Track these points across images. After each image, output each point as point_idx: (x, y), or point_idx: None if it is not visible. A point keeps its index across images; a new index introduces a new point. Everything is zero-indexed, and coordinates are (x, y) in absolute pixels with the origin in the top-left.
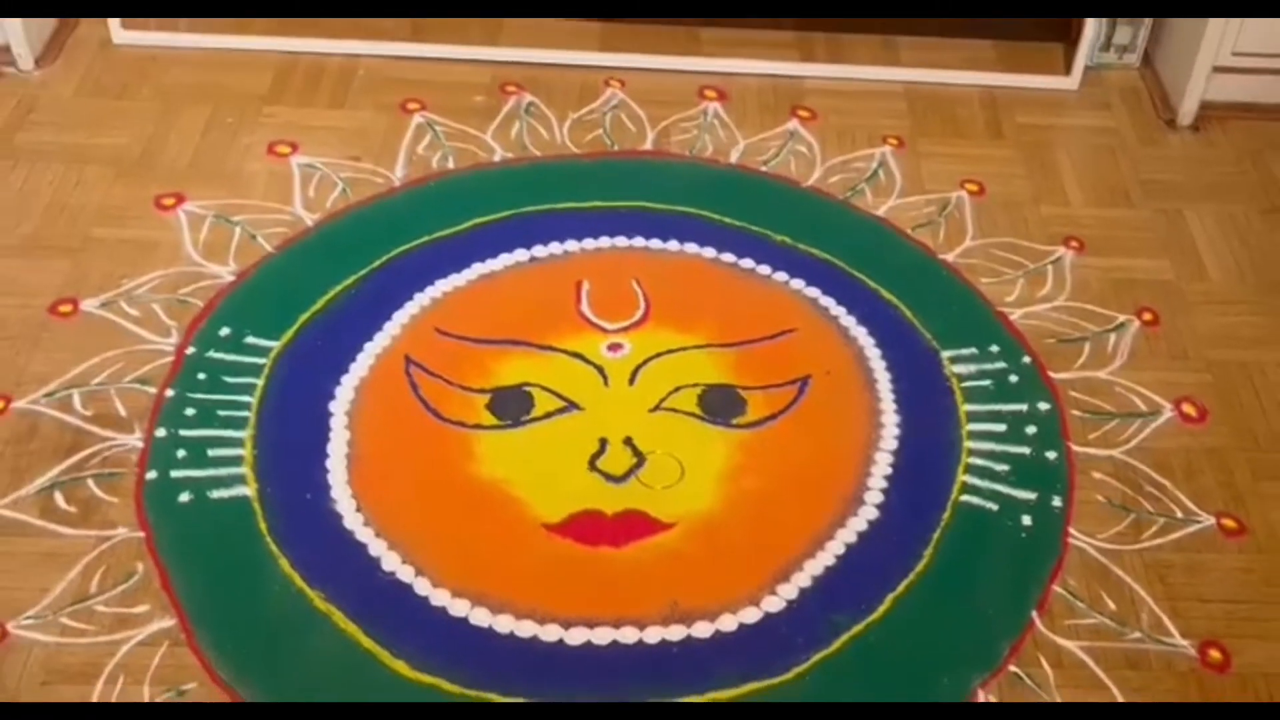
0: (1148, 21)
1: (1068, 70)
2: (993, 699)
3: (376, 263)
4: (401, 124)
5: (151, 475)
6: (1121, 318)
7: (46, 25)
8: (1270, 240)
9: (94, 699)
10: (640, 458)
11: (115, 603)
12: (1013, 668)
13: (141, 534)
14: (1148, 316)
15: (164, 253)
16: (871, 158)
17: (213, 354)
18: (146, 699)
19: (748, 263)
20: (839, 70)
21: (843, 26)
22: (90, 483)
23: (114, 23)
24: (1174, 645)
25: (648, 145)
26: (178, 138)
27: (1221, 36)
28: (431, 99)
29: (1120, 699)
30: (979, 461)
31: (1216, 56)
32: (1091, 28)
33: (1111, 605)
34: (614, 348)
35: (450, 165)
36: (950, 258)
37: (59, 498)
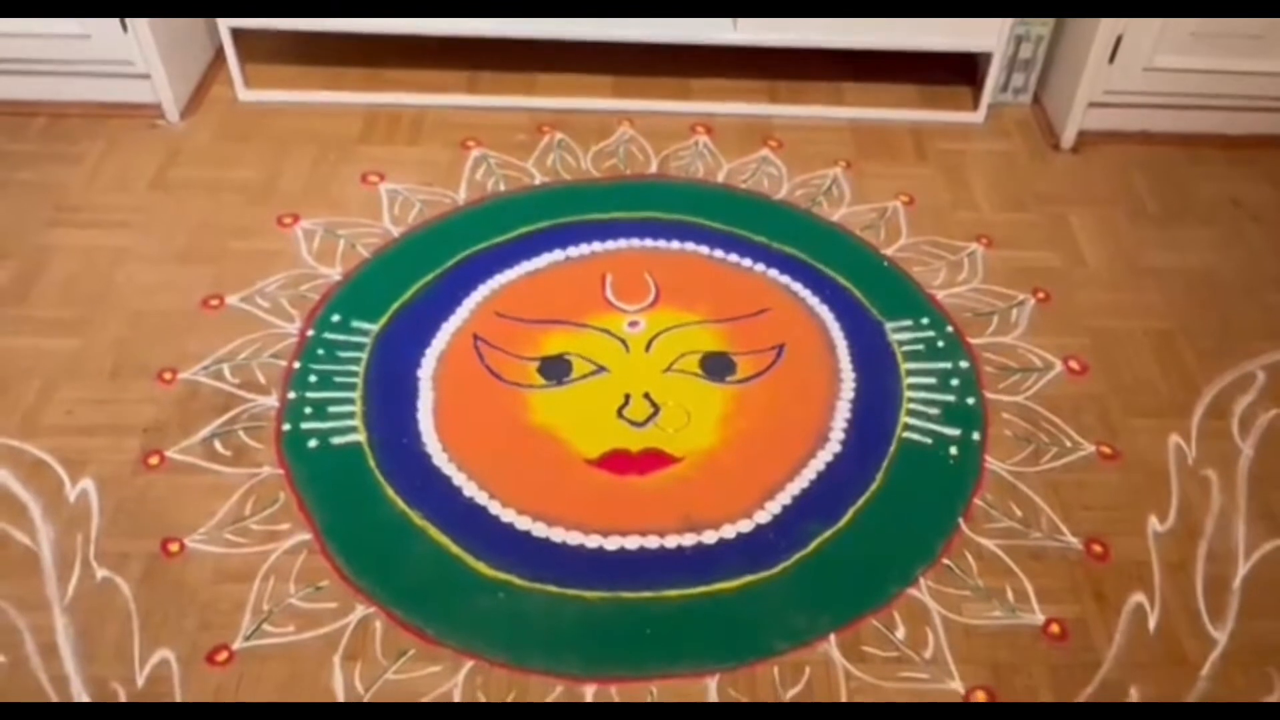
0: (1038, 69)
1: (975, 108)
2: (930, 584)
3: (448, 263)
4: (462, 157)
5: (286, 427)
6: (1021, 296)
7: (189, 86)
8: (1133, 236)
9: (251, 595)
10: (656, 408)
11: (264, 522)
12: (945, 560)
13: (281, 471)
14: (1041, 295)
15: (286, 259)
16: (826, 176)
17: (327, 335)
18: (292, 592)
19: (734, 257)
20: (799, 110)
21: (802, 76)
22: (240, 433)
23: (239, 84)
24: (1066, 542)
25: (653, 169)
26: (292, 171)
27: (1094, 79)
28: (485, 137)
29: (1027, 583)
30: (916, 406)
31: (1091, 95)
32: (993, 75)
33: (1019, 513)
34: (633, 324)
35: (501, 188)
36: (889, 252)
37: (218, 445)
